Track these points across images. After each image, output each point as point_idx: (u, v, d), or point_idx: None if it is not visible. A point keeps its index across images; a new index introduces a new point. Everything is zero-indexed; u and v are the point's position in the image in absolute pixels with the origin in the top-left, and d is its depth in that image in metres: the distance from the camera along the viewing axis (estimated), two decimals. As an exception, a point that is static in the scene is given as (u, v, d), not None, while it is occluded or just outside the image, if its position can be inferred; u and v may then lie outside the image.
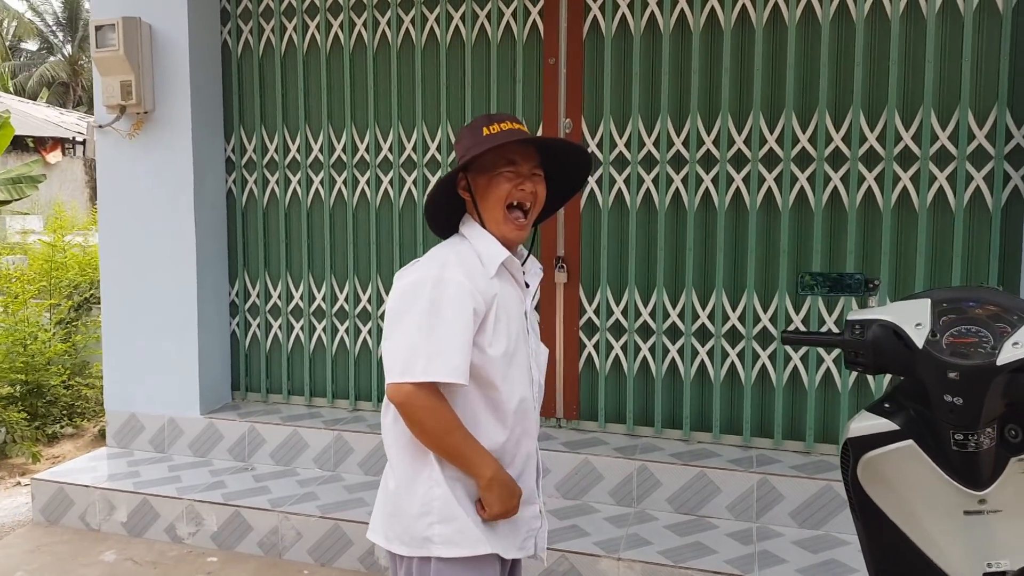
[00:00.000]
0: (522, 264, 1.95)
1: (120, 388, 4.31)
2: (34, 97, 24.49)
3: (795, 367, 3.54)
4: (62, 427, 5.31)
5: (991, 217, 3.27)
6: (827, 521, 3.26)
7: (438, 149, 3.99)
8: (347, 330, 4.24)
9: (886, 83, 3.34)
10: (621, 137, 3.69)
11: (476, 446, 1.79)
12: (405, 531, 1.82)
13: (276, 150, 4.30)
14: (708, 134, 3.57)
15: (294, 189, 4.29)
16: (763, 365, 3.58)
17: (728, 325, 3.61)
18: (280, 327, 4.38)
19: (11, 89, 23.80)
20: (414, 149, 4.03)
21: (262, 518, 3.56)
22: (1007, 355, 1.65)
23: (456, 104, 3.96)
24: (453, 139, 3.95)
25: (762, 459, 3.48)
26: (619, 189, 3.71)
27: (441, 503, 1.80)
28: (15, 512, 4.17)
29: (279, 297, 4.37)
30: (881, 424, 1.82)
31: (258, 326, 4.43)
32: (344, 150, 4.16)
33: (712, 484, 3.40)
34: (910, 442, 1.78)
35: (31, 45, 30.60)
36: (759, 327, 3.56)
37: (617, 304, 3.77)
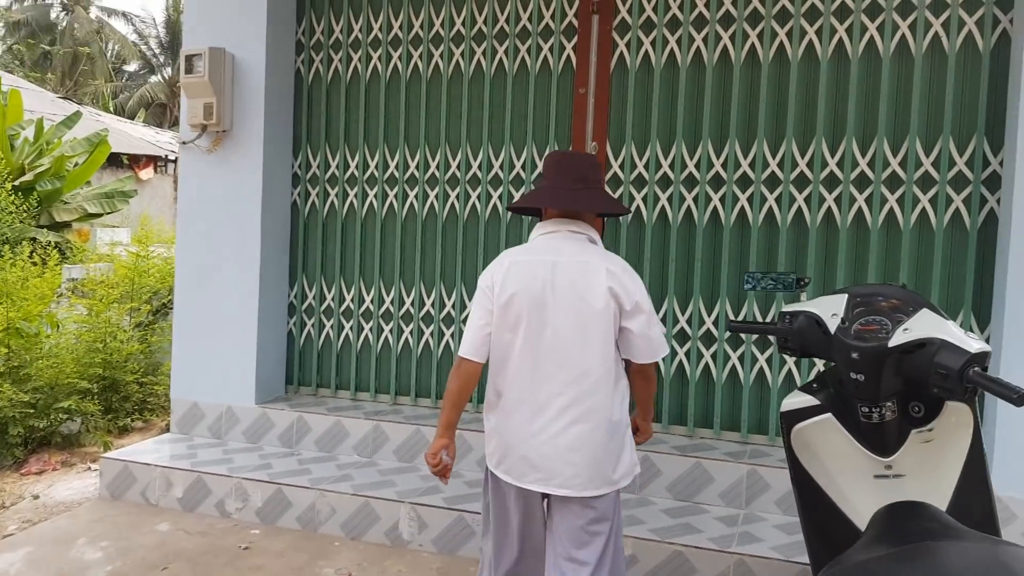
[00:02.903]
0: None
1: (185, 379, 5.10)
2: (133, 117, 26.03)
3: (789, 370, 4.10)
4: (132, 420, 6.12)
5: (968, 236, 3.82)
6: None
7: (480, 168, 4.73)
8: (391, 331, 4.96)
9: (877, 114, 3.94)
10: (641, 159, 4.37)
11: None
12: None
13: (337, 167, 5.11)
14: (718, 157, 4.23)
15: (351, 202, 5.08)
16: (760, 368, 4.15)
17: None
18: (332, 327, 5.13)
19: (111, 109, 25.33)
20: (459, 168, 4.78)
21: (302, 495, 4.25)
22: (897, 338, 2.04)
23: (497, 128, 4.71)
24: (494, 159, 4.68)
25: (756, 452, 4.04)
26: (637, 206, 4.37)
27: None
28: (84, 491, 4.89)
29: (332, 299, 5.13)
30: (806, 400, 2.27)
31: (312, 325, 5.19)
32: (397, 168, 4.94)
33: (707, 474, 3.96)
34: (829, 415, 2.21)
35: (133, 67, 32.50)
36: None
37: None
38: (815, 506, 2.30)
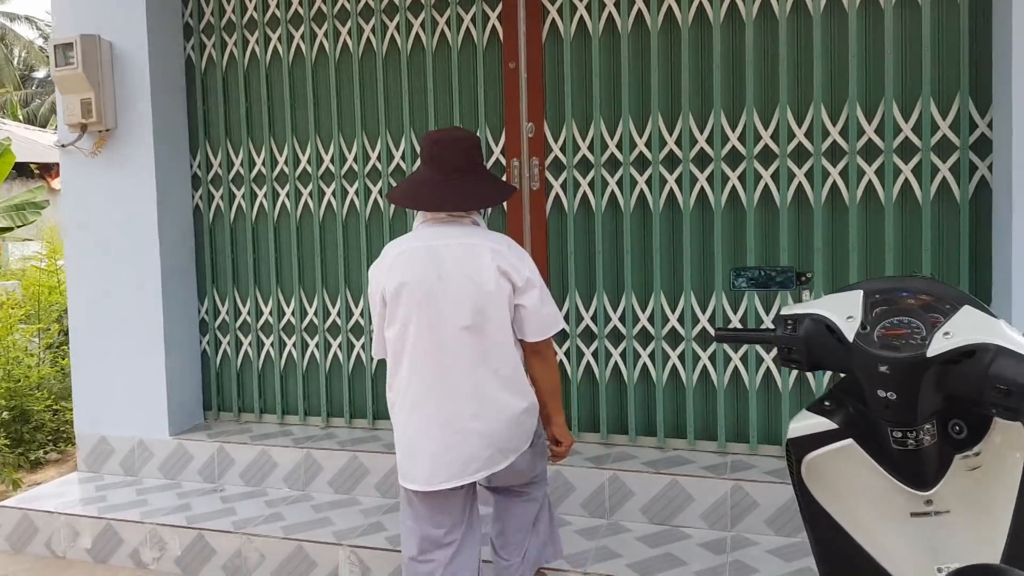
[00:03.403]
0: None
1: (89, 411, 4.55)
2: (45, 124, 24.92)
3: (767, 369, 3.70)
4: (46, 452, 5.52)
5: (959, 209, 3.43)
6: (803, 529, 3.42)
7: (403, 158, 4.21)
8: (317, 345, 4.46)
9: (846, 76, 3.51)
10: (584, 140, 3.89)
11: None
12: (528, 432, 2.65)
13: (242, 164, 4.54)
14: (670, 134, 3.77)
15: (260, 203, 4.53)
16: (735, 368, 3.75)
17: (698, 328, 3.79)
18: (250, 344, 4.60)
19: (20, 117, 24.18)
20: (379, 159, 4.25)
21: (226, 541, 3.76)
22: (937, 346, 1.62)
23: (420, 111, 4.19)
24: (417, 147, 4.17)
25: (737, 465, 3.65)
26: (584, 193, 3.91)
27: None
28: (-17, 542, 4.39)
29: (248, 313, 4.59)
30: (820, 423, 1.82)
31: (228, 344, 4.66)
32: (309, 162, 4.39)
33: (685, 492, 3.56)
34: (850, 441, 1.78)
35: (42, 72, 31.15)
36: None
37: (587, 310, 3.96)
38: (836, 550, 1.87)
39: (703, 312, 3.79)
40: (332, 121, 4.33)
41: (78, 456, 4.59)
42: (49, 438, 5.64)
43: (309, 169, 4.41)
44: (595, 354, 3.97)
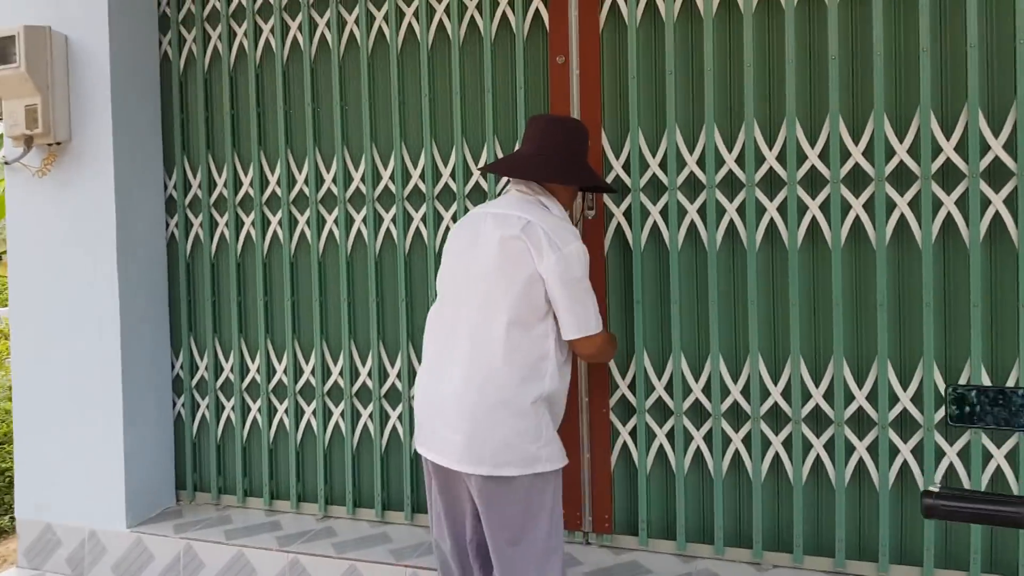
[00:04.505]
0: None
1: (32, 491, 3.75)
2: None
3: (904, 462, 2.78)
4: (11, 520, 4.69)
5: None
6: None
7: (422, 178, 3.37)
8: (315, 412, 3.61)
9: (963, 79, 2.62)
10: (655, 154, 3.02)
11: (606, 336, 2.54)
12: (521, 457, 2.31)
13: (226, 184, 3.73)
14: (770, 147, 2.88)
15: (248, 232, 3.71)
16: (859, 460, 2.83)
17: (811, 405, 2.88)
18: (234, 408, 3.77)
19: None
20: (392, 179, 3.42)
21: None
22: None
23: (444, 120, 3.35)
24: (442, 165, 3.33)
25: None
26: (654, 223, 3.03)
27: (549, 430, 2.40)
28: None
29: (232, 370, 3.76)
30: None
31: (207, 407, 3.83)
32: (307, 182, 3.57)
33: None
34: None
35: None
36: (852, 408, 2.82)
37: (659, 377, 3.06)
38: None
39: (816, 385, 2.88)
40: (335, 131, 3.51)
41: (18, 548, 3.76)
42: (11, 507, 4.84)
43: (307, 191, 3.58)
44: (670, 436, 3.07)
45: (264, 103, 3.68)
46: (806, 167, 2.84)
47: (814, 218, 2.85)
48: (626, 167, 3.07)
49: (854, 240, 2.81)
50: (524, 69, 3.20)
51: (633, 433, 3.12)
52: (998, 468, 2.65)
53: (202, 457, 3.89)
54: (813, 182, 2.85)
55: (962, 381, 2.69)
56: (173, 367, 3.89)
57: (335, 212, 3.54)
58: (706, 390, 3.01)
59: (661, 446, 3.09)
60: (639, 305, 3.05)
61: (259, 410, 3.72)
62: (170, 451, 3.87)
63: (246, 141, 3.71)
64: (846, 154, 2.80)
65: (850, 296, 2.83)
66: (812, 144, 2.84)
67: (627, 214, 3.07)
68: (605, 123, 3.11)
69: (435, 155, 3.35)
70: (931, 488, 1.31)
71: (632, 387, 3.11)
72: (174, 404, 3.89)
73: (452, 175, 3.32)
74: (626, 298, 3.10)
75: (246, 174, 3.71)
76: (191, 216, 3.84)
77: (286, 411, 3.67)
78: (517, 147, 2.56)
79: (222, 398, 3.82)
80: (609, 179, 3.09)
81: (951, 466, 2.72)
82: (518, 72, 3.20)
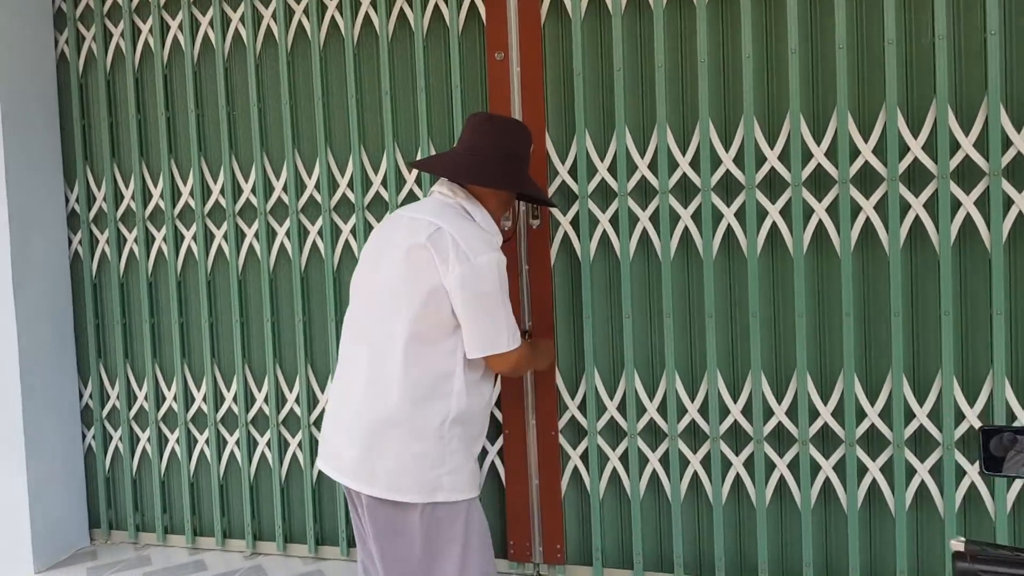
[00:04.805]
0: None
1: (-75, 538, 3.35)
2: None
3: (873, 481, 2.62)
4: None
5: None
6: None
7: (350, 186, 3.09)
8: (238, 442, 3.31)
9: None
10: (603, 158, 2.80)
11: (535, 348, 2.54)
12: (418, 482, 2.08)
13: (134, 197, 3.40)
14: (726, 149, 2.69)
15: (159, 248, 3.39)
16: (826, 480, 2.66)
17: (773, 423, 2.70)
18: (149, 440, 3.44)
19: None
20: (317, 188, 3.14)
21: None
22: None
23: (373, 122, 3.08)
24: (371, 172, 3.06)
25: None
26: (603, 232, 2.81)
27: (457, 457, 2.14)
28: None
29: (146, 399, 3.44)
30: None
31: (120, 439, 3.50)
32: (223, 193, 3.26)
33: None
34: None
35: None
36: (817, 425, 2.64)
37: (611, 396, 2.85)
38: None
39: (778, 402, 2.70)
40: (252, 137, 3.21)
41: (-92, 602, 3.39)
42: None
43: (223, 202, 3.28)
44: (624, 458, 2.87)
45: (174, 106, 3.36)
46: (765, 169, 2.66)
47: (774, 223, 2.66)
48: (572, 172, 2.84)
49: (816, 246, 2.64)
50: (460, 67, 2.95)
51: (584, 457, 2.90)
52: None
53: (117, 493, 3.56)
54: (772, 185, 2.67)
55: (932, 399, 2.54)
56: (82, 396, 3.55)
57: (255, 225, 3.24)
58: (661, 409, 2.81)
59: (615, 470, 2.88)
60: (588, 320, 2.83)
61: (177, 441, 3.41)
62: (81, 487, 3.53)
63: (155, 149, 3.38)
64: (808, 155, 2.61)
65: (813, 306, 2.65)
66: (772, 145, 2.66)
67: (575, 222, 2.85)
68: (549, 125, 2.88)
69: (364, 161, 3.08)
70: (958, 547, 1.13)
71: (582, 407, 2.89)
72: (84, 436, 3.56)
73: (384, 183, 3.05)
74: (575, 312, 2.88)
75: (156, 185, 3.39)
76: (96, 232, 3.50)
77: (207, 441, 3.36)
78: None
79: (136, 429, 3.49)
80: (554, 185, 2.86)
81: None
82: (453, 70, 2.95)
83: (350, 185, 3.09)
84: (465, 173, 2.26)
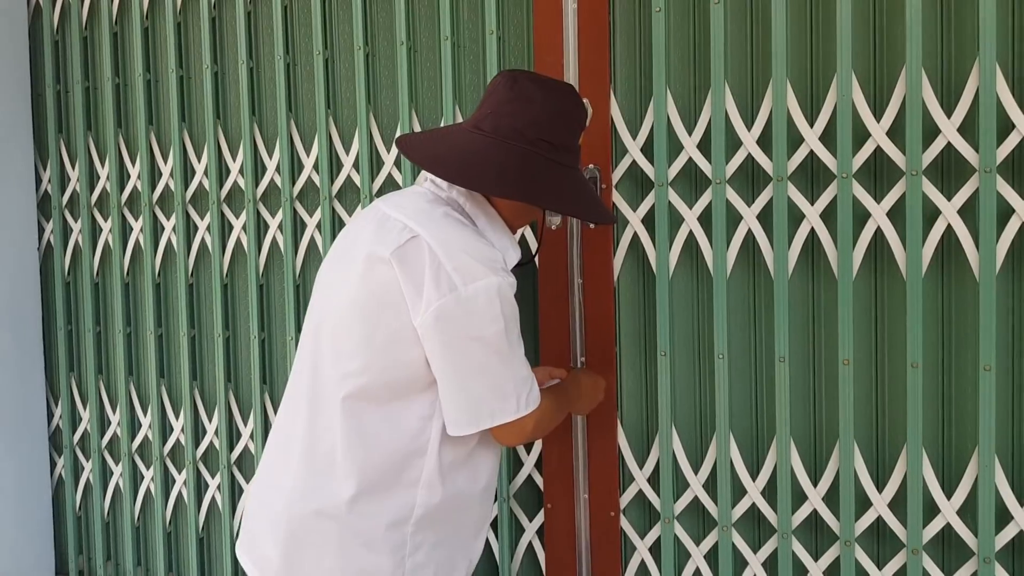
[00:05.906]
0: None
1: None
2: None
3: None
4: None
5: None
6: None
7: (355, 167, 2.30)
8: (219, 487, 2.58)
9: None
10: (692, 131, 1.93)
11: (566, 391, 1.72)
12: None
13: (109, 178, 2.71)
14: (877, 119, 1.78)
15: (137, 240, 2.71)
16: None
17: (936, 525, 1.78)
18: (123, 471, 2.76)
19: None
20: (316, 168, 2.36)
21: None
22: None
23: (388, 88, 2.28)
24: (385, 149, 2.27)
25: None
26: (690, 233, 1.94)
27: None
28: None
29: (120, 423, 2.75)
30: None
31: (91, 471, 2.82)
32: (207, 174, 2.53)
33: None
34: None
35: None
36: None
37: (696, 467, 1.99)
38: None
39: (948, 497, 1.79)
40: (241, 108, 2.47)
41: None
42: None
43: (206, 184, 2.55)
44: (711, 555, 2.00)
45: (157, 69, 2.65)
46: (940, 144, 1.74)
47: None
48: (647, 150, 1.98)
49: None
50: (498, 10, 2.13)
51: (655, 549, 2.04)
52: None
53: (88, 533, 2.90)
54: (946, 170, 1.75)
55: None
56: (52, 418, 2.90)
57: (242, 214, 2.50)
58: (768, 492, 1.93)
59: (698, 570, 2.01)
60: (666, 358, 1.97)
61: (153, 475, 2.71)
62: (48, 527, 2.89)
63: (134, 121, 2.68)
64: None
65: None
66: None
67: (648, 220, 1.98)
68: (616, 84, 2.03)
69: (375, 139, 2.30)
70: None
71: (654, 480, 2.03)
72: (53, 466, 2.90)
73: (397, 166, 2.26)
74: (647, 346, 2.03)
75: (133, 164, 2.69)
76: (70, 220, 2.83)
77: (184, 482, 2.66)
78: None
79: (109, 459, 2.82)
80: (620, 170, 2.01)
81: None
82: (488, 15, 2.12)
83: (355, 166, 2.31)
84: (457, 170, 1.46)
